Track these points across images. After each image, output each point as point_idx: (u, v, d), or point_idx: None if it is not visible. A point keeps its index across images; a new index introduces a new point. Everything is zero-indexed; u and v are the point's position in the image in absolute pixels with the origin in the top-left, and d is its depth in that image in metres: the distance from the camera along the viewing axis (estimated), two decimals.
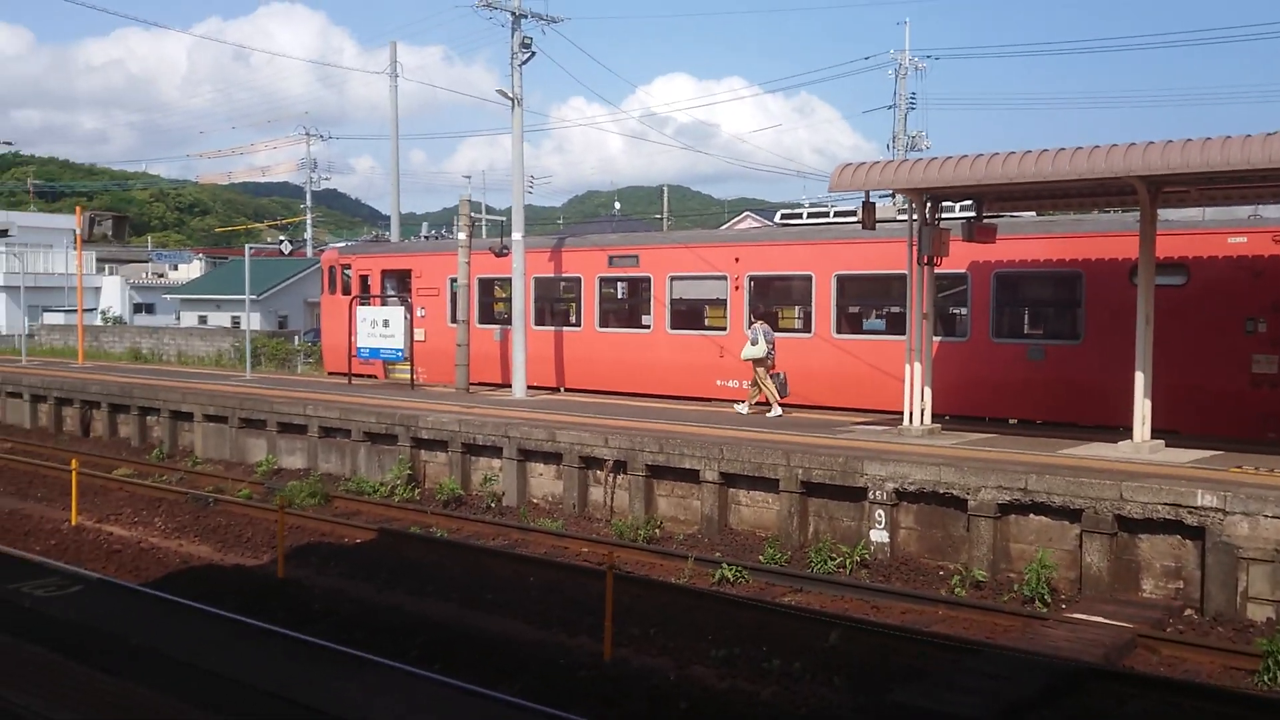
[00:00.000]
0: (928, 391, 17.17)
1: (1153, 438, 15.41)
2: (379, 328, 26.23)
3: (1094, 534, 12.89)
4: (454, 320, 25.87)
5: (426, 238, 34.48)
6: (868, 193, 16.65)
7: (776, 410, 20.26)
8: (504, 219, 26.48)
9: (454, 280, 25.95)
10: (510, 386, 24.32)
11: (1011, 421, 19.13)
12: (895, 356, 18.87)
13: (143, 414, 26.04)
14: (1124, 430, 15.66)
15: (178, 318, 63.33)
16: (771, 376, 20.48)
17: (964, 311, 19.72)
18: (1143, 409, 15.24)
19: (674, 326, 23.34)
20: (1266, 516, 11.76)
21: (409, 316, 26.37)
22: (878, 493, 14.52)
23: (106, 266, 76.57)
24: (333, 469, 21.48)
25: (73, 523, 17.52)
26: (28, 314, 57.81)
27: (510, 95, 23.51)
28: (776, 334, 21.82)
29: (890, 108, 49.54)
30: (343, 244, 39.95)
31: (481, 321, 26.74)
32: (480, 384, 26.27)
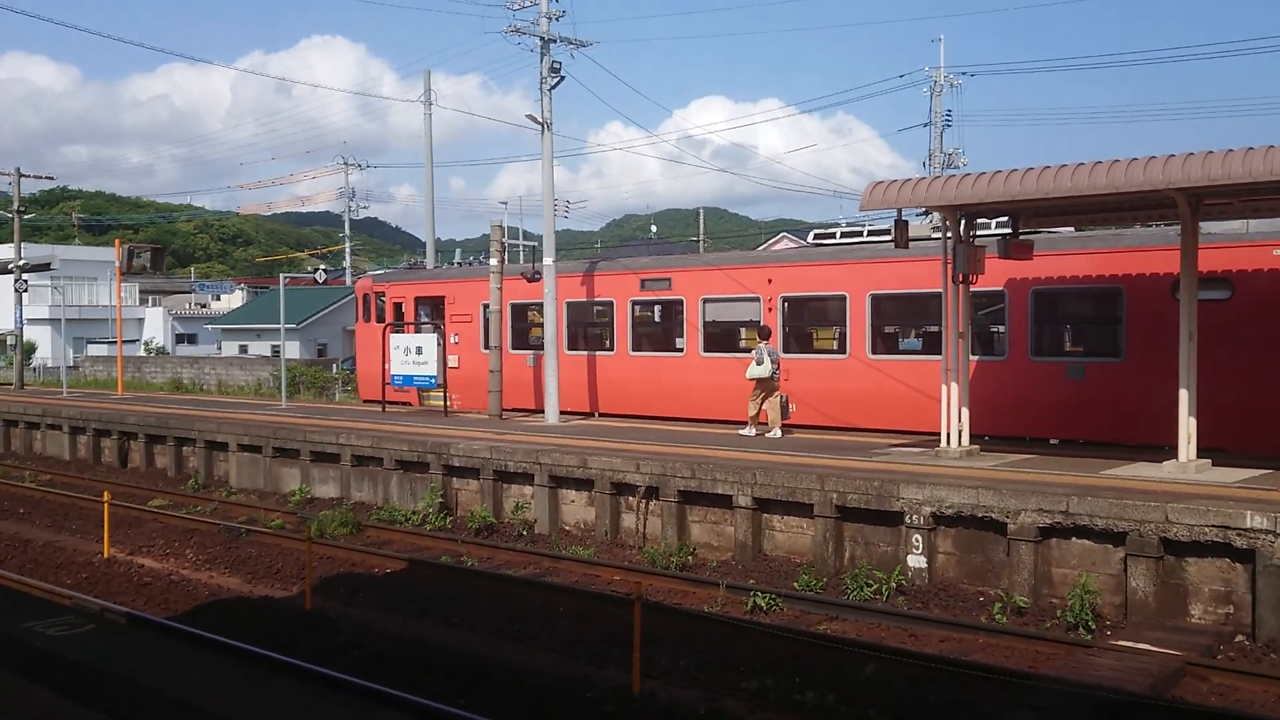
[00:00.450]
0: (965, 412, 16.80)
1: (1199, 456, 14.96)
2: (412, 355, 26.18)
3: (1139, 557, 12.47)
4: (487, 346, 25.78)
5: (460, 264, 34.50)
6: (900, 211, 16.36)
7: (752, 430, 20.44)
8: (537, 244, 26.40)
9: (486, 306, 25.88)
10: (544, 412, 24.16)
11: (1053, 442, 18.69)
12: (932, 377, 18.50)
13: (179, 444, 26.14)
14: (1169, 450, 15.19)
15: (219, 347, 64.02)
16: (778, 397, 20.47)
17: (1002, 330, 19.34)
18: (1188, 427, 14.79)
19: (707, 349, 23.10)
20: None
21: (442, 343, 26.31)
22: (914, 517, 14.16)
23: (150, 298, 77.57)
24: (365, 497, 21.39)
25: (105, 555, 17.50)
26: (72, 346, 58.70)
27: (540, 120, 23.45)
28: (811, 355, 21.60)
29: (926, 125, 49.33)
30: (379, 272, 40.13)
31: (515, 347, 26.63)
32: (514, 410, 26.15)
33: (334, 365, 45.75)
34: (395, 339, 26.89)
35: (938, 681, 10.72)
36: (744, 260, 23.85)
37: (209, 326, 70.02)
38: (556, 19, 23.46)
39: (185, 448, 26.02)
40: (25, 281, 43.58)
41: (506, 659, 11.83)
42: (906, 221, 16.74)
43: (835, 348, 21.71)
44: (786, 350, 21.91)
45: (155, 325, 72.23)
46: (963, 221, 16.46)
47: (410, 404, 28.85)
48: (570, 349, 25.47)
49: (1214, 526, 11.99)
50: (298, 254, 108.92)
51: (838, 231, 23.72)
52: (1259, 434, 16.50)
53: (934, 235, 18.48)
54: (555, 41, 23.36)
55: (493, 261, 25.06)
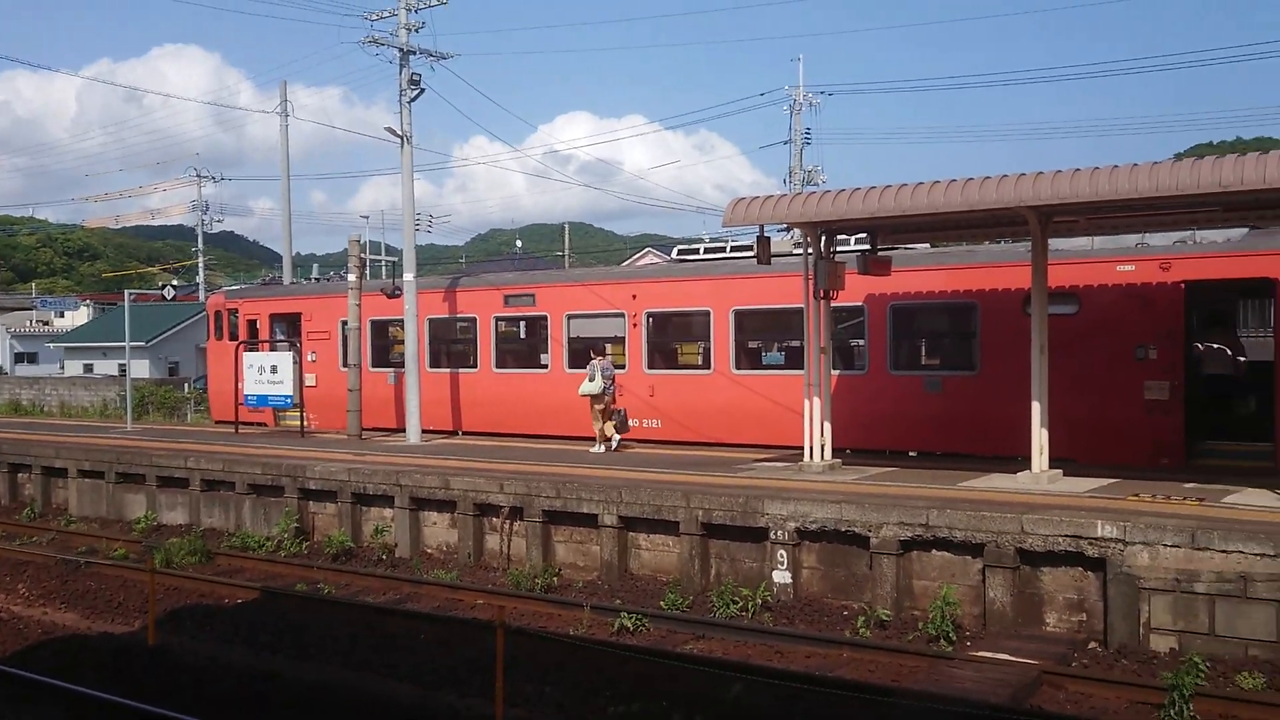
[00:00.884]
0: (828, 426, 16.93)
1: (1051, 467, 15.35)
2: (266, 374, 25.27)
3: (996, 568, 12.68)
4: (346, 364, 25.06)
5: (318, 279, 33.54)
6: (762, 227, 16.42)
7: (601, 447, 20.44)
8: (398, 259, 25.82)
9: (345, 323, 25.17)
10: (405, 432, 23.58)
11: (912, 454, 19.01)
12: (795, 391, 18.62)
13: (13, 470, 24.66)
14: (1022, 460, 15.56)
15: (61, 367, 60.97)
16: (614, 413, 20.44)
17: (862, 344, 19.61)
18: (1040, 439, 15.16)
19: (573, 366, 22.84)
20: (1166, 545, 11.66)
21: (298, 361, 25.46)
22: (779, 532, 14.16)
23: None
24: (217, 524, 20.48)
25: None
26: None
27: (399, 133, 22.93)
28: (676, 371, 21.62)
29: (786, 143, 50.01)
30: (233, 288, 38.79)
31: (375, 365, 25.98)
32: (375, 429, 25.48)
33: (185, 385, 43.98)
34: (249, 357, 25.93)
35: (804, 699, 10.66)
36: (608, 276, 23.72)
37: (51, 345, 66.67)
38: (416, 30, 23.02)
39: (20, 474, 24.56)
40: None
41: (363, 691, 11.34)
42: (769, 238, 16.82)
43: (700, 363, 21.74)
44: (652, 366, 21.87)
45: None
46: (823, 238, 16.61)
47: (266, 424, 27.86)
48: (433, 366, 24.94)
49: (1067, 536, 12.26)
50: (149, 269, 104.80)
51: (701, 247, 23.76)
52: (1108, 444, 17.06)
53: (796, 251, 18.64)
54: (414, 53, 22.90)
55: (351, 277, 24.39)
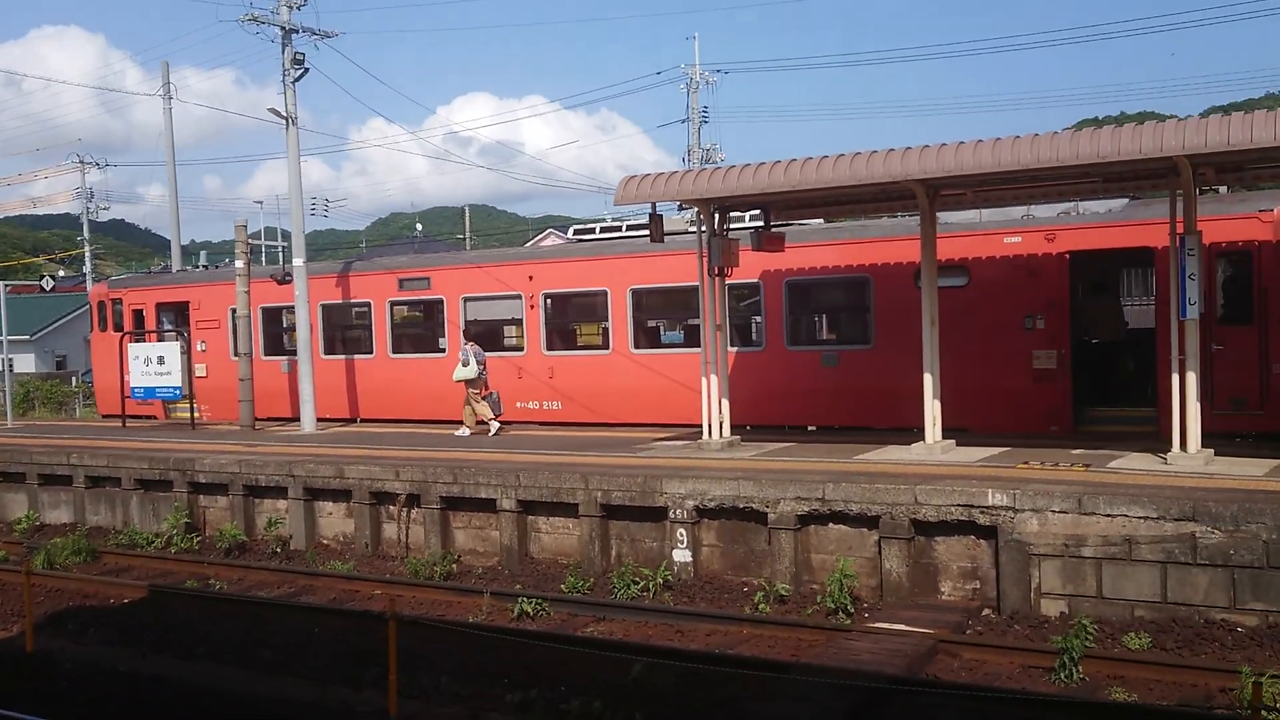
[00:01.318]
0: (725, 403, 16.93)
1: (945, 437, 15.55)
2: (153, 365, 24.47)
3: (891, 540, 12.80)
4: (237, 353, 24.38)
5: (205, 267, 32.59)
6: (654, 205, 16.31)
7: (467, 430, 20.72)
8: (288, 244, 25.19)
9: (235, 311, 24.47)
10: (300, 420, 23.04)
11: (811, 429, 19.14)
12: (695, 369, 18.59)
13: None
14: (919, 432, 15.74)
15: None
16: (485, 397, 20.70)
17: (759, 321, 19.65)
18: (932, 410, 15.35)
19: None
20: (1054, 512, 11.88)
21: (186, 351, 24.69)
22: (678, 511, 14.12)
23: None
24: (103, 521, 19.79)
25: None
26: None
27: (283, 114, 22.32)
28: (575, 352, 21.52)
29: (684, 121, 50.03)
30: (117, 277, 37.54)
31: (268, 353, 25.34)
32: (270, 419, 24.87)
33: (74, 378, 42.56)
34: (134, 349, 25.08)
35: (704, 678, 10.63)
36: (504, 257, 23.43)
37: None
38: (298, 8, 22.37)
39: None
40: None
41: (253, 691, 11.01)
42: (661, 216, 16.73)
43: (599, 343, 21.59)
44: (550, 348, 21.67)
45: None
46: (716, 215, 16.56)
47: (156, 417, 27.04)
48: (328, 353, 24.41)
49: (959, 506, 12.42)
50: (34, 259, 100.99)
51: (598, 227, 23.58)
52: (1000, 413, 17.35)
53: (692, 229, 18.58)
54: (297, 32, 22.26)
55: (238, 264, 23.71)
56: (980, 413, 17.34)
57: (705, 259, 16.48)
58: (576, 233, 24.44)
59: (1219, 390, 15.70)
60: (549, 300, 21.77)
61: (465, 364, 20.40)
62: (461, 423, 20.98)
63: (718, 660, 11.13)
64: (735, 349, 19.21)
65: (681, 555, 14.14)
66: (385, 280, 23.75)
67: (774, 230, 17.77)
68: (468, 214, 79.04)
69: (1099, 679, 10.26)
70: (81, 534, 18.60)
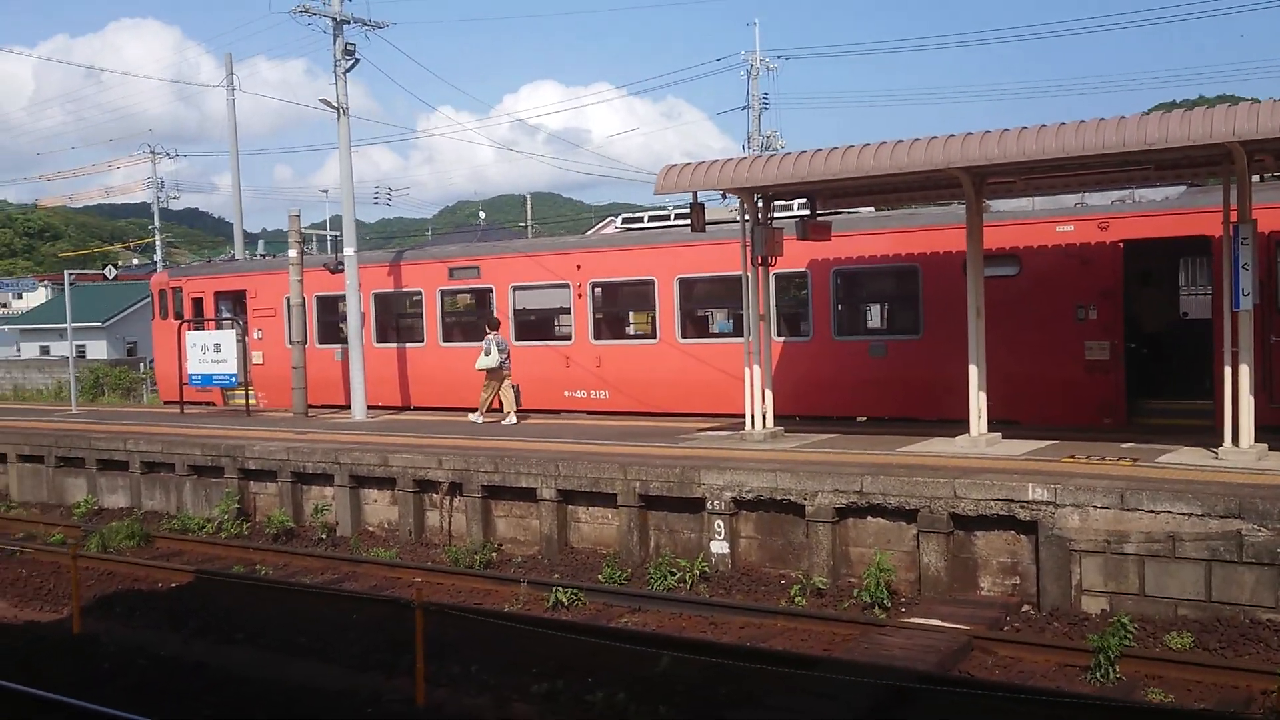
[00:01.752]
0: (769, 394, 16.78)
1: (994, 429, 15.26)
2: (210, 353, 24.89)
3: (930, 534, 12.60)
4: (291, 342, 24.71)
5: (264, 256, 33.06)
6: (695, 194, 16.17)
7: (479, 417, 21.08)
8: (338, 234, 25.46)
9: (289, 300, 24.80)
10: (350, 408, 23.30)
11: (859, 420, 18.92)
12: (742, 359, 18.47)
13: None
14: (967, 424, 15.46)
15: (18, 349, 60.15)
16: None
17: (806, 311, 19.45)
18: (978, 402, 15.06)
19: (519, 338, 22.61)
20: (1095, 507, 11.60)
21: (242, 340, 25.08)
22: (716, 502, 14.03)
23: None
24: (157, 506, 20.19)
25: None
26: None
27: (335, 104, 22.51)
28: (623, 341, 21.49)
29: (744, 108, 49.67)
30: (178, 266, 38.25)
31: (322, 341, 25.64)
32: (325, 406, 25.18)
33: (142, 365, 43.45)
34: (192, 336, 25.52)
35: (731, 672, 10.55)
36: (553, 246, 23.43)
37: (6, 327, 65.72)
38: None
39: None
40: None
41: (289, 677, 11.14)
42: (703, 204, 16.58)
43: (647, 333, 21.53)
44: (598, 337, 21.65)
45: None
46: (760, 204, 16.39)
47: (215, 404, 27.51)
48: (380, 341, 24.65)
49: (999, 500, 12.18)
50: (111, 247, 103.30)
51: (646, 215, 23.48)
52: (1050, 405, 17.00)
53: (736, 218, 18.41)
54: (348, 22, 22.42)
55: (291, 253, 23.99)
56: (1031, 405, 17.00)
57: (748, 248, 16.33)
58: (625, 221, 24.37)
59: (1277, 383, 15.23)
60: (597, 289, 21.75)
61: (487, 353, 20.87)
62: (494, 409, 21.33)
63: (745, 655, 11.03)
64: (782, 339, 19.04)
65: (719, 547, 14.05)
66: (436, 269, 23.90)
67: (820, 219, 17.55)
68: (529, 202, 79.22)
69: (1136, 679, 10.01)
70: (136, 518, 18.99)
